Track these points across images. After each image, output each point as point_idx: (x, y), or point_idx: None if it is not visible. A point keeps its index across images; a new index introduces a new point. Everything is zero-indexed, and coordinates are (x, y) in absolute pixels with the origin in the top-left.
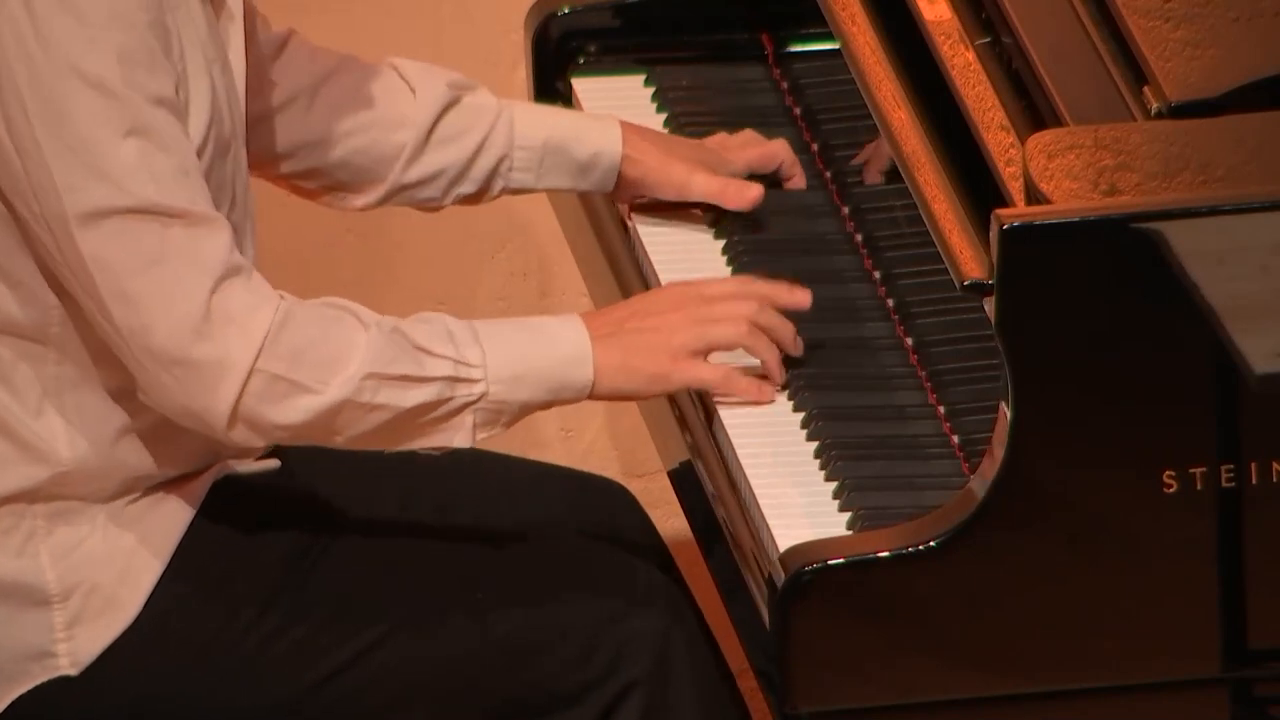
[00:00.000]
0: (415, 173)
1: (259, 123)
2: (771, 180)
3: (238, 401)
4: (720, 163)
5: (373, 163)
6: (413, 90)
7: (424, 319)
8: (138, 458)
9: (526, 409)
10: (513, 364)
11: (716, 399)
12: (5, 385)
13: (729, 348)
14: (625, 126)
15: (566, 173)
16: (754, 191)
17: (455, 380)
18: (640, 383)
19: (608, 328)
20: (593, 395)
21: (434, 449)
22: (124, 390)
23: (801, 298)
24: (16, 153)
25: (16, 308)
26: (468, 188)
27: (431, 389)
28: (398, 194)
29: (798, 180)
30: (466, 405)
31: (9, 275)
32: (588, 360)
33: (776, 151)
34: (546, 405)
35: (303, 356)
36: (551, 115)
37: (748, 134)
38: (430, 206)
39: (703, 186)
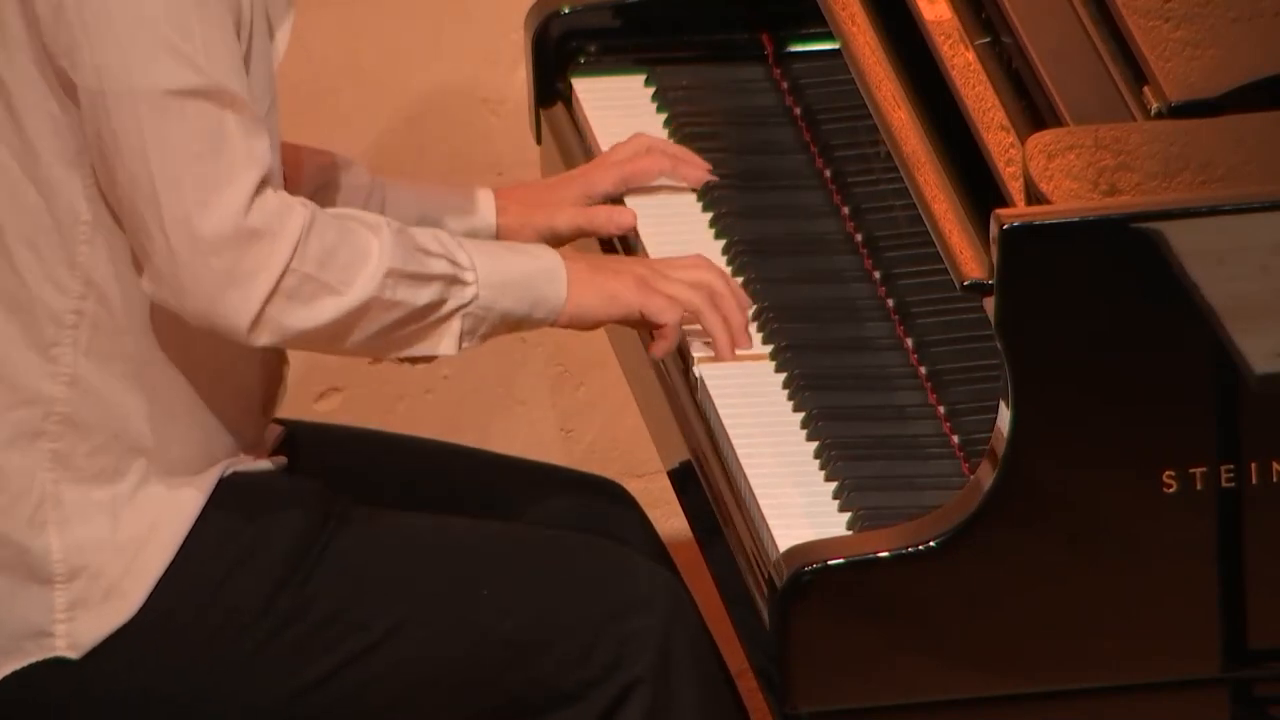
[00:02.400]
0: None
1: None
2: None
3: (268, 300)
4: (586, 189)
5: None
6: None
7: (412, 229)
8: (138, 403)
9: (505, 320)
10: (498, 270)
11: (715, 398)
12: (19, 315)
13: (683, 305)
14: (499, 195)
15: None
16: (623, 218)
17: (452, 280)
18: (601, 299)
19: (575, 256)
20: (562, 316)
21: (420, 357)
22: (139, 323)
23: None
24: (82, 26)
25: (46, 214)
26: None
27: (435, 288)
28: None
29: (692, 177)
30: (459, 308)
31: (44, 181)
32: (562, 275)
33: (647, 168)
34: (520, 323)
35: (329, 258)
36: (422, 193)
37: (635, 142)
38: None
39: (568, 224)
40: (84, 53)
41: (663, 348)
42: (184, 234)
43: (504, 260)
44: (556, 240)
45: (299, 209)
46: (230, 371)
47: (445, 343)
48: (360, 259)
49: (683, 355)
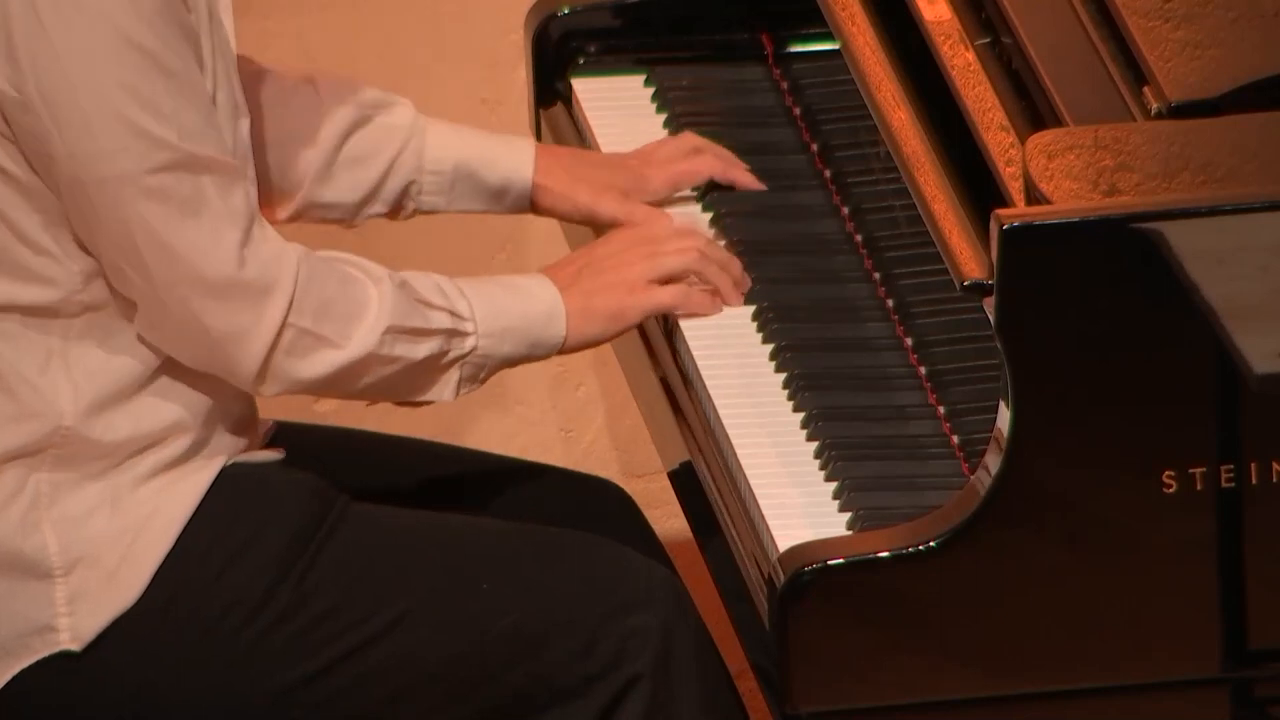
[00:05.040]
0: (324, 192)
1: None
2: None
3: (268, 357)
4: (639, 183)
5: (282, 178)
6: (322, 107)
7: (411, 275)
8: (147, 416)
9: (504, 364)
10: (497, 318)
11: (715, 398)
12: (9, 341)
13: (681, 275)
14: (541, 150)
15: (479, 197)
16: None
17: (452, 333)
18: (603, 323)
19: (568, 278)
20: (563, 350)
21: (417, 402)
22: (141, 345)
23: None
24: (51, 119)
25: (40, 279)
26: (379, 208)
27: (436, 341)
28: (309, 211)
29: (741, 181)
30: (458, 359)
31: (36, 244)
32: (561, 315)
33: (701, 169)
34: (520, 362)
35: (326, 311)
36: (465, 138)
37: (681, 139)
38: (343, 225)
39: (609, 216)
40: (55, 144)
41: (694, 314)
42: (177, 298)
43: (503, 305)
44: (588, 223)
45: (289, 258)
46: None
47: (445, 391)
48: (358, 312)
49: (675, 339)
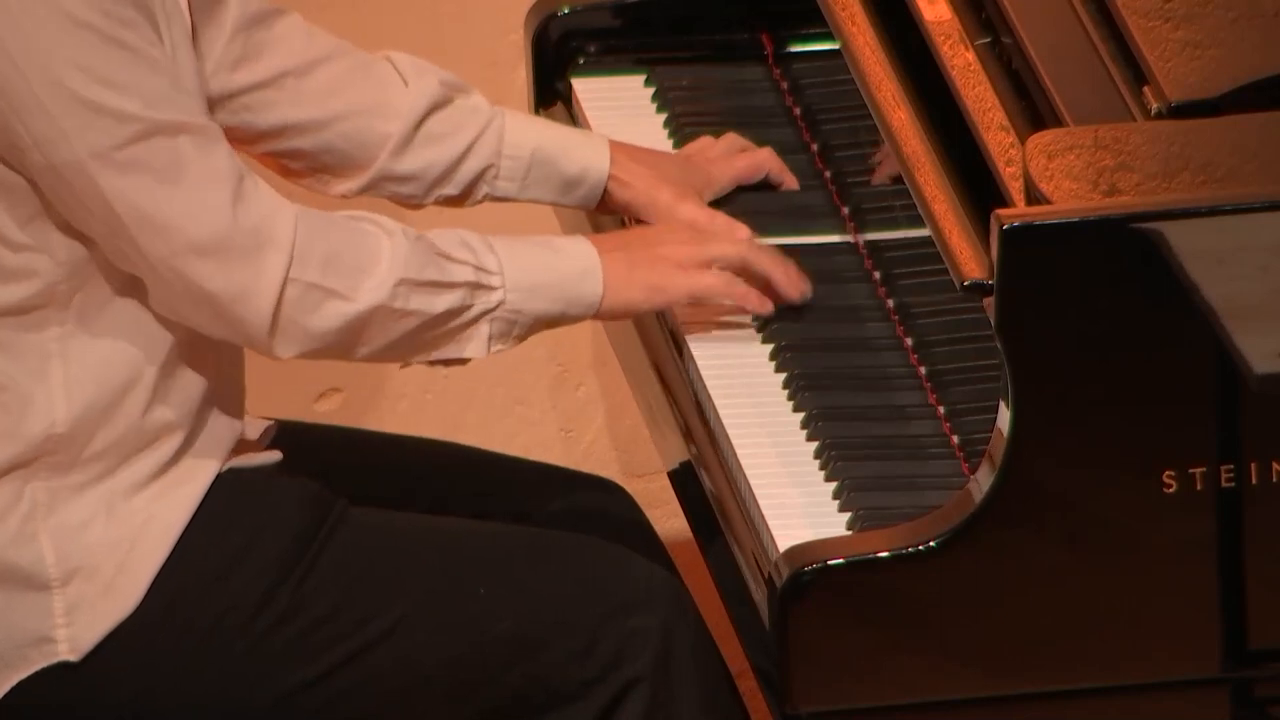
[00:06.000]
0: (399, 165)
1: (244, 95)
2: (765, 182)
3: (276, 314)
4: (707, 181)
5: (358, 149)
6: (405, 83)
7: (437, 231)
8: (139, 415)
9: (539, 322)
10: (528, 273)
11: (715, 398)
12: (3, 349)
13: (729, 263)
14: (615, 146)
15: (551, 186)
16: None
17: (476, 286)
18: (644, 292)
19: (614, 244)
20: (600, 312)
21: (448, 360)
22: (137, 329)
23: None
24: (10, 110)
25: (22, 274)
26: (451, 189)
27: (456, 295)
28: (380, 184)
29: (789, 184)
30: (485, 313)
31: (10, 241)
32: (597, 273)
33: (762, 162)
34: (557, 321)
35: (332, 263)
36: (543, 127)
37: (730, 140)
38: (411, 204)
39: (690, 214)
40: (20, 134)
41: (753, 305)
42: (174, 268)
43: (536, 262)
44: (657, 221)
45: (285, 213)
46: (219, 368)
47: (472, 346)
48: (368, 264)
49: (675, 339)
